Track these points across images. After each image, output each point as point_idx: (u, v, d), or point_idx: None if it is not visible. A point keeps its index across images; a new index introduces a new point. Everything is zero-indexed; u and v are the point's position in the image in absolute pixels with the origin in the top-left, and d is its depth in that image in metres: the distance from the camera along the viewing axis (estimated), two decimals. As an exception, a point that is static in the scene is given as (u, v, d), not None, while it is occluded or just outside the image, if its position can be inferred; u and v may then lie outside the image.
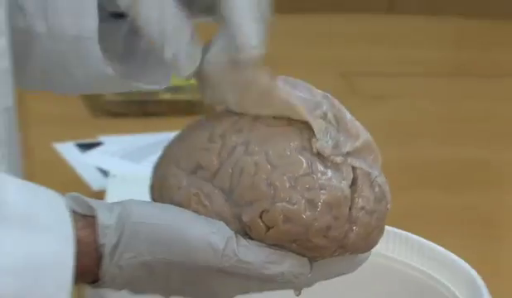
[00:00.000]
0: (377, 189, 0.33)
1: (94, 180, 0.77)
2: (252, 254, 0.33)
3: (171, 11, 0.35)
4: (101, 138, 0.85)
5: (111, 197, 0.72)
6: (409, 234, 0.48)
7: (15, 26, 0.43)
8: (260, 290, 0.35)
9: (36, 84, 0.50)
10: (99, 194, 0.73)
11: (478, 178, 0.93)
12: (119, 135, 0.87)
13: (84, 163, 0.81)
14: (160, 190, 0.36)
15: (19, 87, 0.44)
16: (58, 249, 0.32)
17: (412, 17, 1.48)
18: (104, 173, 0.79)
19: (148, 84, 0.45)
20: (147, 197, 0.76)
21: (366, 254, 0.36)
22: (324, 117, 0.33)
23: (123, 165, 0.81)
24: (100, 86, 0.48)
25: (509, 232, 0.85)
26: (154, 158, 0.94)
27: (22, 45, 0.44)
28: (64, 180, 0.76)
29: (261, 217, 0.32)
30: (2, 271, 0.30)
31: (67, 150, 0.81)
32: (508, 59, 1.27)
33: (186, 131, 0.37)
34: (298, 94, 0.34)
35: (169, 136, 0.71)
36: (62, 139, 0.79)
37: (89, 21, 0.42)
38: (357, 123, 0.35)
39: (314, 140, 0.32)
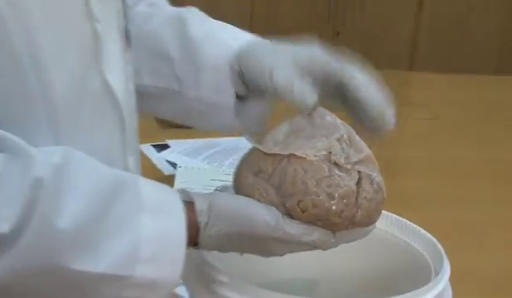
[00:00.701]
0: (375, 185, 0.44)
1: (165, 170, 1.05)
2: (293, 228, 0.43)
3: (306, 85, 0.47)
4: (168, 142, 1.13)
5: (179, 181, 0.98)
6: (394, 215, 0.58)
7: (171, 88, 0.58)
8: (300, 250, 0.44)
9: (167, 116, 0.66)
10: (170, 178, 0.99)
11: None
12: (180, 140, 1.13)
13: (159, 158, 1.07)
14: (237, 184, 0.47)
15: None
16: (176, 226, 0.42)
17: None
18: (173, 165, 1.05)
19: (251, 135, 0.58)
20: (200, 182, 1.08)
21: (370, 227, 0.47)
22: (340, 138, 0.44)
23: (185, 159, 1.07)
24: (220, 128, 0.62)
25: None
26: (206, 155, 1.31)
27: (172, 99, 0.59)
28: (148, 169, 0.96)
29: (298, 204, 0.42)
30: (143, 242, 0.41)
31: (147, 149, 1.08)
32: None
33: (253, 148, 0.47)
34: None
35: (212, 140, 1.06)
36: (144, 142, 1.00)
37: (228, 96, 0.55)
38: (362, 142, 0.46)
39: (332, 154, 0.43)
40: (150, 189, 0.43)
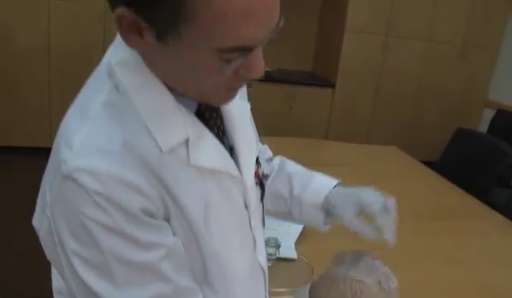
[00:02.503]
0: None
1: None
2: None
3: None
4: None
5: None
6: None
7: (283, 211, 0.98)
8: None
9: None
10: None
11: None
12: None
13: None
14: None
15: None
16: None
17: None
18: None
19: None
20: None
21: None
22: (384, 272, 0.88)
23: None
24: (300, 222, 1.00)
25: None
26: None
27: (283, 214, 0.97)
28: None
29: None
30: None
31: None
32: None
33: (334, 273, 0.89)
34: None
35: None
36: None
37: (319, 220, 0.94)
38: (394, 278, 0.87)
39: (381, 282, 0.85)
40: None
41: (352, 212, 0.86)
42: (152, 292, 0.58)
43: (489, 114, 4.48)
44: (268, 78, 4.10)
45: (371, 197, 0.87)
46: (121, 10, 0.53)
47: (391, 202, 0.87)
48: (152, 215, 0.58)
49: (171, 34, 0.53)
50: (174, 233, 0.62)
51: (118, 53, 0.63)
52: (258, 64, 0.59)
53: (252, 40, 0.55)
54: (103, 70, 0.64)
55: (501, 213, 2.09)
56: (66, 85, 3.85)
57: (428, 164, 2.69)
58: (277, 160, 1.02)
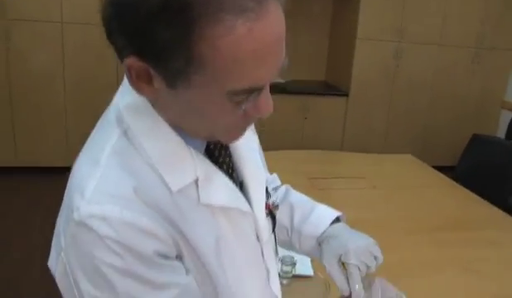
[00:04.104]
0: None
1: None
2: None
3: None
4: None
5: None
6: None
7: (284, 239, 0.98)
8: None
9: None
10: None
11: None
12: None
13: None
14: None
15: None
16: None
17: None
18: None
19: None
20: None
21: None
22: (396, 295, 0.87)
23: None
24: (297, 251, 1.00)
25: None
26: None
27: (284, 242, 0.98)
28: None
29: None
30: None
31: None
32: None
33: None
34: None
35: None
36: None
37: (315, 249, 0.93)
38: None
39: None
40: None
41: (334, 263, 0.88)
42: None
43: (507, 117, 4.43)
44: (282, 89, 4.13)
45: (357, 247, 0.87)
46: (130, 60, 0.55)
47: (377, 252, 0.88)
48: (165, 256, 0.60)
49: (180, 81, 0.55)
50: (187, 272, 0.64)
51: (126, 96, 0.65)
52: (268, 104, 0.61)
53: (261, 80, 0.57)
54: (111, 115, 0.66)
55: (520, 220, 2.08)
56: (82, 108, 3.94)
57: (445, 170, 2.68)
58: (283, 189, 1.03)
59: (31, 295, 2.53)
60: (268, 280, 0.79)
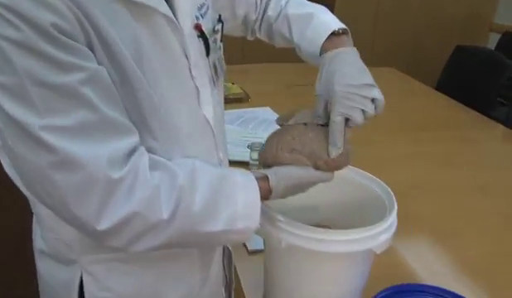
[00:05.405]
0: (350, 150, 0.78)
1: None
2: (323, 175, 0.75)
3: None
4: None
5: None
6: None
7: (289, 46, 0.93)
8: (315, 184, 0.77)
9: None
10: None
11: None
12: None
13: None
14: (274, 161, 0.76)
15: None
16: (256, 195, 0.69)
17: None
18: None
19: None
20: (235, 137, 1.58)
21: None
22: None
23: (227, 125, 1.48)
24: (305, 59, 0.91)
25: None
26: (237, 123, 1.89)
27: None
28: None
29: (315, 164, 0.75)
30: (239, 208, 0.67)
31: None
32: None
33: (282, 130, 0.80)
34: None
35: (241, 111, 1.74)
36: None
37: (315, 56, 0.85)
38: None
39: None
40: (239, 176, 0.71)
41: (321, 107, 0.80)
42: (76, 120, 0.55)
43: (495, 39, 4.32)
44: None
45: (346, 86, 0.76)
46: None
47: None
48: (66, 34, 0.54)
49: None
50: (99, 64, 0.58)
51: None
52: None
53: None
54: None
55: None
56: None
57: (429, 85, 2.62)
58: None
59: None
60: (199, 102, 0.74)
